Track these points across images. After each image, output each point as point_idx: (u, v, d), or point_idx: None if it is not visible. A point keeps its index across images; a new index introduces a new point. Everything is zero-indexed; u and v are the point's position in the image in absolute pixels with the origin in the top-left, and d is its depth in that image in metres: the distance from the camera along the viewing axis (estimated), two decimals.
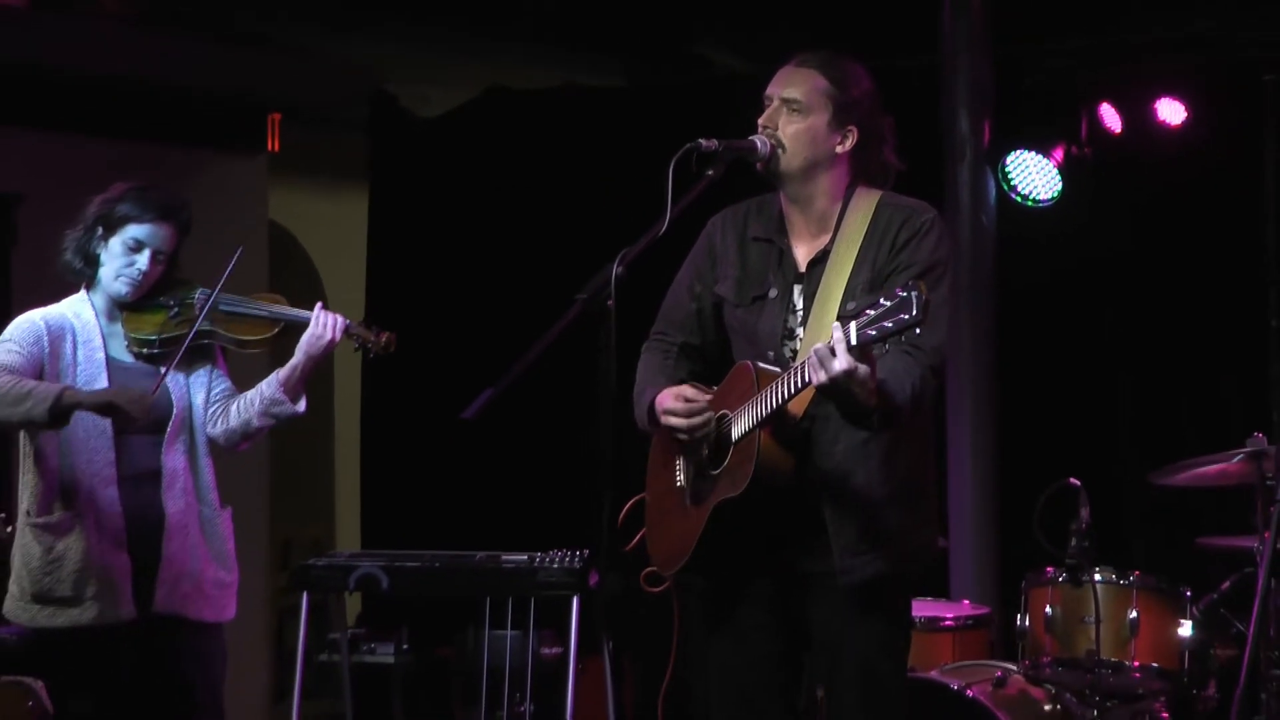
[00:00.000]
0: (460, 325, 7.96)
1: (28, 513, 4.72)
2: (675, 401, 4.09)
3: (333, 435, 9.03)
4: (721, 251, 4.26)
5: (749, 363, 4.06)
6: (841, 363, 3.67)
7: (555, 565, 5.38)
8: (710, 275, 4.27)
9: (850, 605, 4.05)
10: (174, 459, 4.77)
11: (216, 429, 4.84)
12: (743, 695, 4.18)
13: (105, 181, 4.88)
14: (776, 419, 3.94)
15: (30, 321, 4.76)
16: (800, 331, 4.09)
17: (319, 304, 4.87)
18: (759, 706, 4.18)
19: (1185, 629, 5.56)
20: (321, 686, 7.17)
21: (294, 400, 4.83)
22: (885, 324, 3.62)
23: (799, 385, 3.83)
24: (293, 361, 4.82)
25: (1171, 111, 7.00)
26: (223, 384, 4.90)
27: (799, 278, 4.14)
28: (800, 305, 4.11)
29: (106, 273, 4.77)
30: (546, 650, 6.67)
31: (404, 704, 7.24)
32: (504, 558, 5.48)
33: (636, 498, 4.23)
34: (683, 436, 4.09)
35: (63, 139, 7.49)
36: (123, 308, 4.81)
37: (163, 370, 4.74)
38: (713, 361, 4.31)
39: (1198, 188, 7.05)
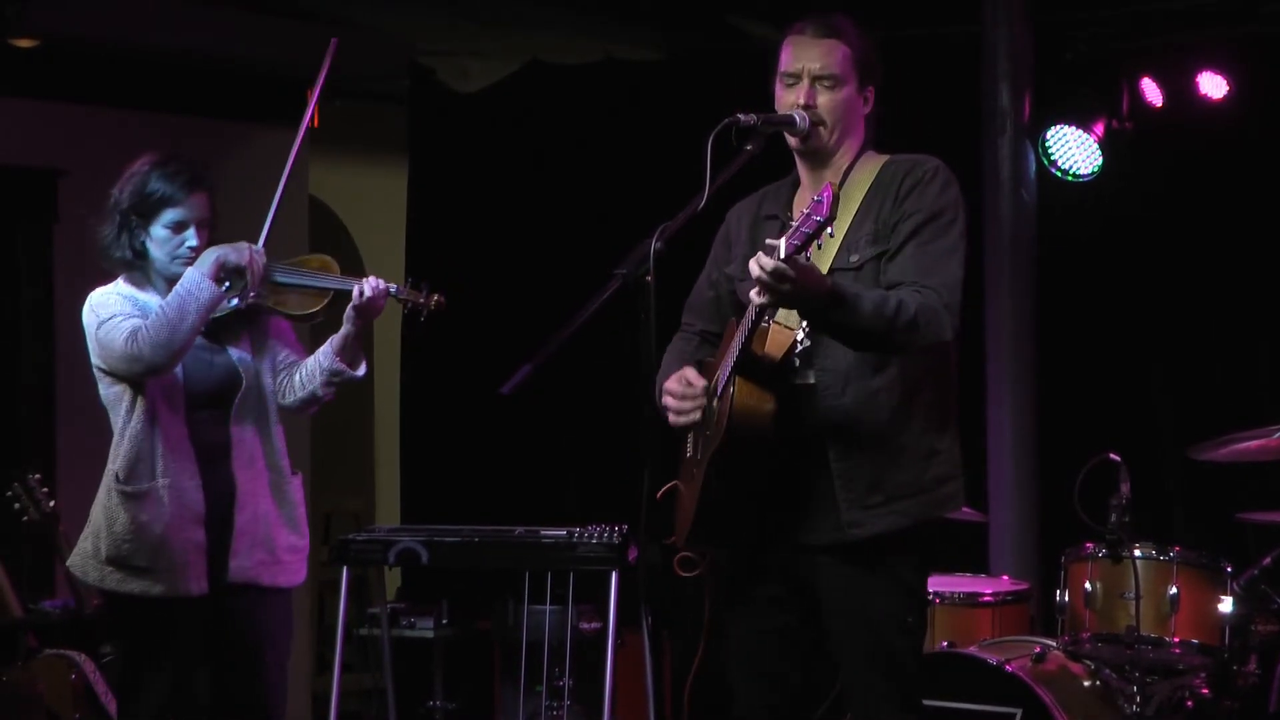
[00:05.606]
0: (499, 300, 7.96)
1: (116, 476, 4.71)
2: (674, 383, 4.08)
3: (372, 410, 9.06)
4: (736, 236, 4.29)
5: (734, 319, 4.06)
6: (764, 263, 3.63)
7: (594, 540, 5.38)
8: (725, 259, 4.29)
9: (859, 570, 3.99)
10: (243, 430, 4.79)
11: (285, 400, 4.88)
12: (761, 668, 4.17)
13: None
14: (749, 363, 3.90)
15: (109, 292, 4.74)
16: None
17: (368, 277, 4.82)
18: (777, 678, 4.16)
19: (1225, 604, 5.54)
20: (362, 660, 7.21)
21: (353, 367, 4.86)
22: (803, 229, 3.59)
23: (752, 317, 3.81)
24: (343, 330, 4.82)
25: (1213, 85, 6.95)
26: (286, 353, 4.92)
27: None
28: None
29: (160, 258, 4.75)
30: (585, 625, 6.69)
31: (444, 678, 7.27)
32: (543, 532, 5.49)
33: (670, 485, 4.21)
34: (673, 418, 4.08)
35: (103, 113, 7.51)
36: None
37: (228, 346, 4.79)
38: None
39: (1239, 162, 7.01)
